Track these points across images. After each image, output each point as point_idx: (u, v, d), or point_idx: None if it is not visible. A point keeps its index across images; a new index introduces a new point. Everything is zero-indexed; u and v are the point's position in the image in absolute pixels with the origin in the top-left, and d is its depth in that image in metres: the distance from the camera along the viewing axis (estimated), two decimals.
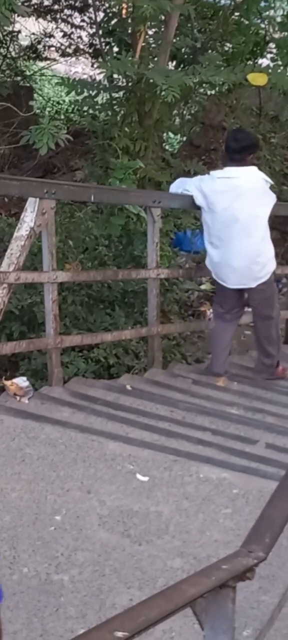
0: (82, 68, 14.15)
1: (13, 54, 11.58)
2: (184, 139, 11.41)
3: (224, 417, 5.46)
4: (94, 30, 10.58)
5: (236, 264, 6.15)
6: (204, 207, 6.25)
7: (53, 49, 12.14)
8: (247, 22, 9.65)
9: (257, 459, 4.73)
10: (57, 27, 11.76)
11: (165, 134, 10.49)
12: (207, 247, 6.37)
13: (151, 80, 7.72)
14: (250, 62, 9.07)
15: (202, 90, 9.72)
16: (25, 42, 12.00)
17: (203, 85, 8.99)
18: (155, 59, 8.77)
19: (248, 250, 6.13)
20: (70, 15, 11.89)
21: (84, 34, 11.59)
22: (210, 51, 9.16)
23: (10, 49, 11.34)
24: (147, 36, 8.98)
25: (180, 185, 6.53)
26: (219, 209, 6.13)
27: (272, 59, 9.85)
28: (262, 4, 9.76)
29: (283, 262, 8.67)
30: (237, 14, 9.62)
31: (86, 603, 3.39)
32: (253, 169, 6.33)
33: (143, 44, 8.70)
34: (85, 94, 8.67)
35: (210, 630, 2.04)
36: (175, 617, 2.20)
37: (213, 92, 9.67)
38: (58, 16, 11.86)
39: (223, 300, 6.43)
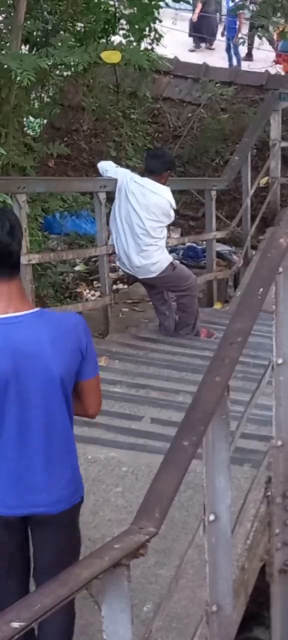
0: None
1: None
2: (45, 121, 11.32)
3: (108, 396, 5.44)
4: None
5: None
6: None
7: None
8: (96, 0, 9.63)
9: (143, 435, 4.76)
10: None
11: (25, 119, 10.37)
12: None
13: (5, 66, 7.60)
14: (103, 41, 9.04)
15: (58, 72, 9.64)
16: None
17: (59, 66, 8.91)
18: (7, 44, 8.64)
19: None
20: None
21: None
22: (62, 32, 9.10)
23: None
24: None
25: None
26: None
27: (125, 36, 9.89)
28: None
29: None
30: None
31: None
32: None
33: None
34: None
35: (108, 609, 2.05)
36: (75, 600, 2.20)
37: (69, 73, 9.61)
38: None
39: None
